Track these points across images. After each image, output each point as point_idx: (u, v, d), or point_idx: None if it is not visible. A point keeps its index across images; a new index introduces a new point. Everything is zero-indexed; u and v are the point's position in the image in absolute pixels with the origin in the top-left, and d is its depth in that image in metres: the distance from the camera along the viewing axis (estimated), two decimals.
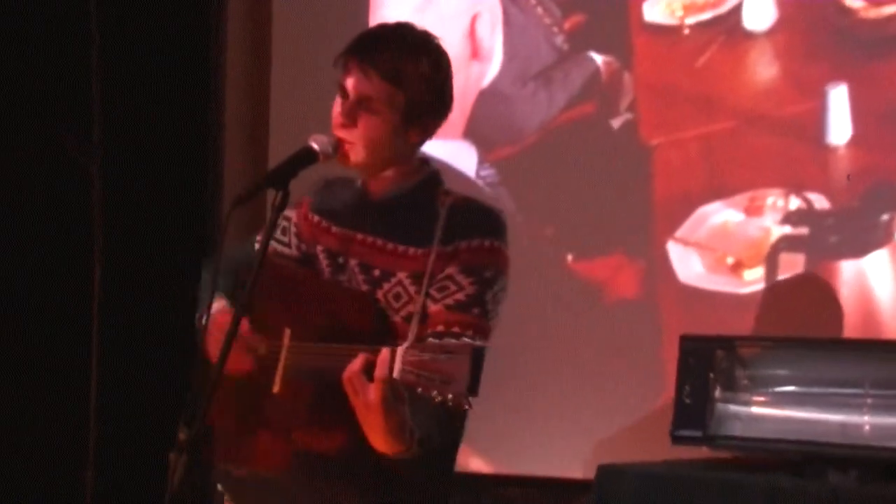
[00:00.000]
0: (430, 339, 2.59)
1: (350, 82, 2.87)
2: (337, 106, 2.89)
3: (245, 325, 2.84)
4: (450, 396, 2.52)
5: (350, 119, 2.86)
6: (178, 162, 4.66)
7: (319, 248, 2.97)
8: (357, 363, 2.66)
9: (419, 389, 2.56)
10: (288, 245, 3.03)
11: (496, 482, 4.53)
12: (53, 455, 4.49)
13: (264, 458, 2.86)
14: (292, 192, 2.84)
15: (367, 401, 2.64)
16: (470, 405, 2.56)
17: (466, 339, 2.64)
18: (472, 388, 2.52)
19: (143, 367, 4.55)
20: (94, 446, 4.40)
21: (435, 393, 2.54)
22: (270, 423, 2.84)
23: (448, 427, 2.79)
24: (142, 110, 4.60)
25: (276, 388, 2.81)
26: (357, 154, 2.87)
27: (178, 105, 4.65)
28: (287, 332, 2.83)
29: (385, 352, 2.64)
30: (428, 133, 2.93)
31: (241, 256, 3.03)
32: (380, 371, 2.62)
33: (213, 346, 2.85)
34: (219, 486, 2.97)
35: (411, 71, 2.85)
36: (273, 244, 3.02)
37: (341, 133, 2.87)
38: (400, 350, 2.59)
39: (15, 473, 4.47)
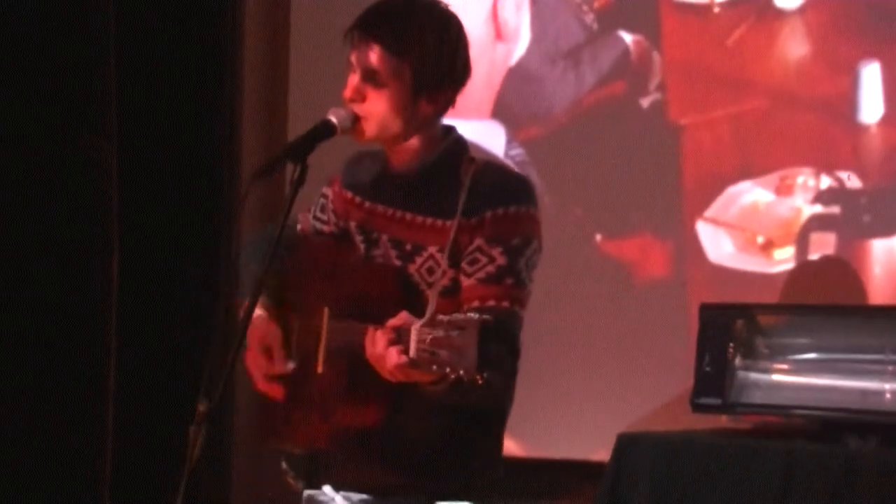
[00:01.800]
0: (440, 316, 2.56)
1: (356, 57, 2.86)
2: (349, 82, 2.89)
3: (276, 345, 2.85)
4: (461, 372, 2.51)
5: (358, 94, 2.85)
6: (195, 140, 4.67)
7: (353, 223, 2.96)
8: (377, 344, 2.64)
9: (434, 367, 2.55)
10: (327, 222, 3.03)
11: (525, 465, 4.51)
12: (72, 437, 4.52)
13: (313, 438, 2.87)
14: (328, 168, 2.85)
15: (389, 368, 2.63)
16: (482, 380, 2.53)
17: (506, 310, 2.67)
18: (480, 364, 2.49)
19: (162, 348, 4.57)
20: (112, 426, 4.42)
21: (448, 370, 2.52)
22: (316, 403, 2.85)
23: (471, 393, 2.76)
24: (158, 87, 4.61)
25: (319, 369, 2.82)
26: (370, 128, 2.86)
27: (196, 80, 4.66)
28: (325, 311, 2.83)
29: (403, 314, 2.63)
30: (441, 103, 2.89)
31: (284, 239, 3.02)
32: (397, 321, 2.62)
33: (252, 365, 2.87)
34: (283, 464, 2.98)
35: (415, 41, 2.82)
36: (313, 222, 3.03)
37: (352, 108, 2.87)
38: (413, 328, 2.57)
39: (33, 452, 4.50)
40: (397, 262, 2.88)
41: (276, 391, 2.88)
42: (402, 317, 2.63)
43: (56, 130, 4.45)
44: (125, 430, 4.44)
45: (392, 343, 2.60)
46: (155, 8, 4.63)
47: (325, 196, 3.03)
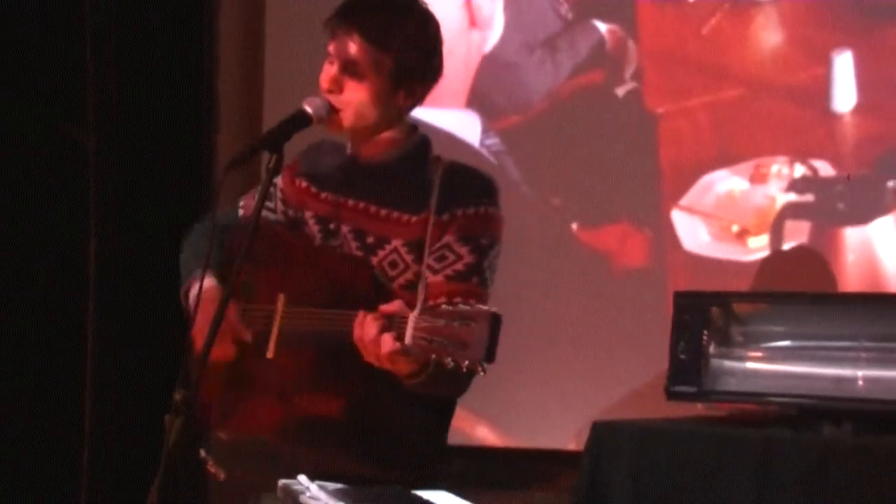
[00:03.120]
0: (444, 306, 2.57)
1: (336, 47, 2.86)
2: (324, 72, 2.88)
3: (233, 312, 2.83)
4: (466, 363, 2.53)
5: (336, 85, 2.85)
6: (172, 129, 4.67)
7: (308, 213, 2.95)
8: (368, 328, 2.65)
9: (432, 356, 2.56)
10: (273, 210, 3.02)
11: (502, 454, 4.52)
12: (50, 427, 4.51)
13: (259, 423, 2.86)
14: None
15: (382, 354, 2.63)
16: (484, 371, 2.55)
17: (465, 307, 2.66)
18: (489, 355, 2.53)
19: (139, 337, 4.57)
20: (90, 415, 4.42)
21: (449, 359, 2.54)
22: (265, 388, 2.84)
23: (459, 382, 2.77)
24: (135, 76, 4.61)
25: (270, 354, 2.81)
26: (346, 119, 2.86)
27: (172, 70, 4.66)
28: (282, 297, 2.83)
29: (398, 302, 2.64)
30: (416, 97, 2.90)
31: (224, 221, 3.02)
32: (391, 308, 2.62)
33: (203, 324, 2.82)
34: (202, 452, 2.96)
35: (397, 33, 2.83)
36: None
37: (328, 99, 2.86)
38: (411, 317, 2.58)
39: (11, 444, 4.50)
40: (359, 254, 2.88)
41: (223, 352, 2.84)
42: (397, 304, 2.64)
43: (33, 118, 4.45)
44: (101, 417, 4.45)
45: (384, 329, 2.61)
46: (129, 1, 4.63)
47: (272, 184, 3.01)
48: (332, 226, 2.91)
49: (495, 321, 2.53)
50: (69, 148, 4.44)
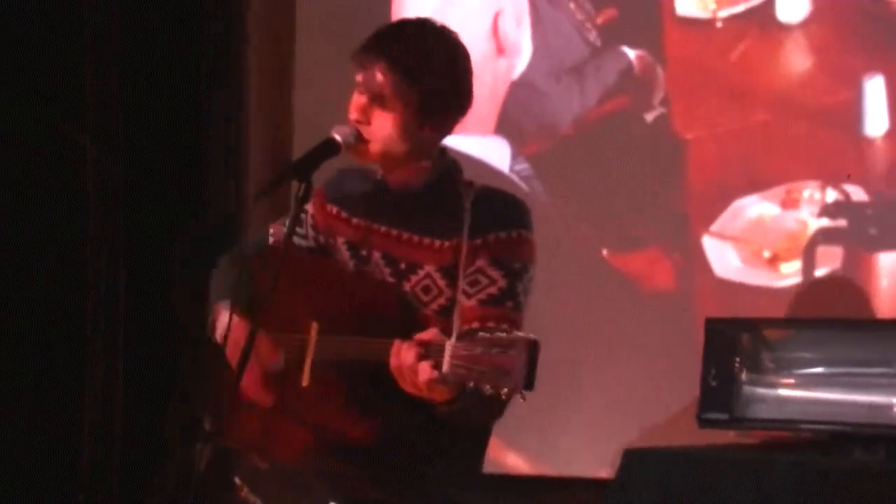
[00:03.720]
0: (481, 334, 2.58)
1: (364, 78, 2.86)
2: (353, 102, 2.89)
3: (263, 344, 2.83)
4: (504, 390, 2.52)
5: (364, 115, 2.86)
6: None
7: (340, 239, 2.96)
8: (406, 355, 2.64)
9: (471, 384, 2.55)
10: (304, 236, 3.03)
11: (531, 482, 4.50)
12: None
13: (292, 451, 2.86)
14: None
15: (420, 382, 2.62)
16: (524, 398, 2.57)
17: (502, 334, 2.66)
18: (529, 382, 2.53)
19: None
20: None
21: (488, 387, 2.53)
22: (299, 416, 2.84)
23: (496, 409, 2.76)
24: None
25: (304, 382, 2.81)
26: (374, 150, 2.87)
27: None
28: (314, 326, 2.83)
29: (434, 330, 2.63)
30: (444, 129, 2.91)
31: (253, 250, 3.03)
32: (422, 374, 2.61)
33: (233, 352, 2.83)
34: (236, 479, 2.96)
35: (424, 66, 2.84)
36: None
37: (357, 129, 2.87)
38: (448, 344, 2.58)
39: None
40: (391, 280, 2.88)
41: (266, 397, 2.85)
42: (432, 332, 2.64)
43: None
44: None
45: (422, 357, 2.61)
46: (159, 18, 4.64)
47: (303, 210, 3.02)
48: (363, 252, 2.92)
49: (533, 348, 2.52)
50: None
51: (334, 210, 2.99)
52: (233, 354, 2.79)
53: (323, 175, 2.97)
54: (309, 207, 3.02)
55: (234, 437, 2.90)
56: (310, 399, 2.83)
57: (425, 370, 2.61)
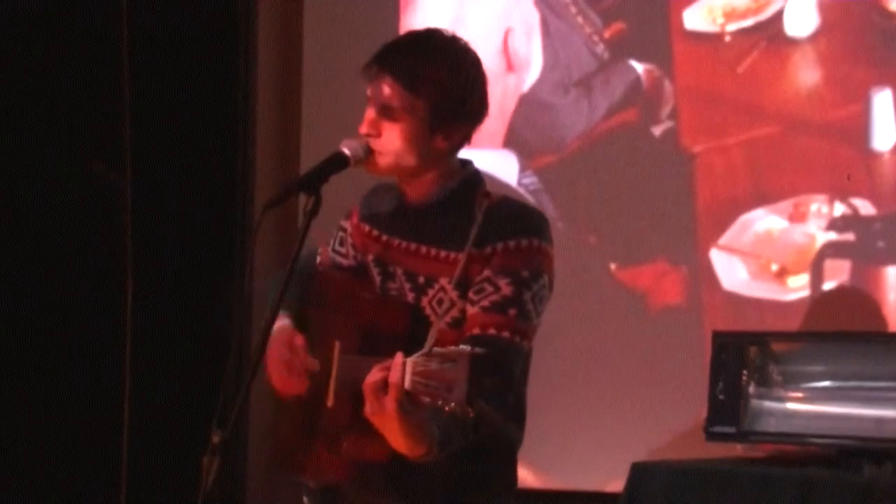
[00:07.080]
0: (436, 349, 2.54)
1: (372, 91, 2.86)
2: (365, 116, 2.89)
3: (300, 342, 2.83)
4: (451, 405, 2.50)
5: (374, 128, 2.84)
6: (208, 170, 4.69)
7: (370, 256, 2.95)
8: (373, 374, 2.64)
9: (427, 399, 2.53)
10: (346, 255, 3.02)
11: (540, 496, 4.50)
12: (87, 463, 4.53)
13: (323, 471, 2.86)
14: (346, 200, 2.84)
15: (383, 407, 2.61)
16: (474, 413, 2.52)
17: (505, 340, 2.64)
18: (469, 397, 2.47)
19: (176, 375, 4.59)
20: (126, 452, 4.43)
21: (440, 402, 2.51)
22: (325, 436, 2.84)
23: (468, 430, 2.75)
24: (171, 117, 4.63)
25: (329, 402, 2.81)
26: (384, 162, 2.86)
27: (209, 112, 4.69)
28: (337, 345, 2.83)
29: (398, 357, 2.62)
30: (456, 139, 2.87)
31: (305, 269, 3.02)
32: (392, 376, 2.59)
33: (272, 366, 2.84)
34: (305, 500, 2.96)
35: (430, 76, 2.81)
36: (332, 255, 3.02)
37: (367, 142, 2.87)
38: (409, 361, 2.54)
39: (48, 478, 4.52)
40: (411, 295, 2.87)
41: (296, 386, 2.85)
42: (398, 357, 2.62)
43: (68, 159, 4.48)
44: (139, 459, 4.46)
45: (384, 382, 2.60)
46: (168, 38, 4.66)
47: (343, 229, 3.01)
48: (390, 268, 2.91)
49: (475, 361, 2.50)
50: (103, 187, 4.46)
51: (366, 228, 2.98)
52: (273, 360, 2.83)
53: (360, 193, 2.98)
54: (347, 225, 3.02)
55: (287, 462, 2.92)
56: (330, 418, 2.82)
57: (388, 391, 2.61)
